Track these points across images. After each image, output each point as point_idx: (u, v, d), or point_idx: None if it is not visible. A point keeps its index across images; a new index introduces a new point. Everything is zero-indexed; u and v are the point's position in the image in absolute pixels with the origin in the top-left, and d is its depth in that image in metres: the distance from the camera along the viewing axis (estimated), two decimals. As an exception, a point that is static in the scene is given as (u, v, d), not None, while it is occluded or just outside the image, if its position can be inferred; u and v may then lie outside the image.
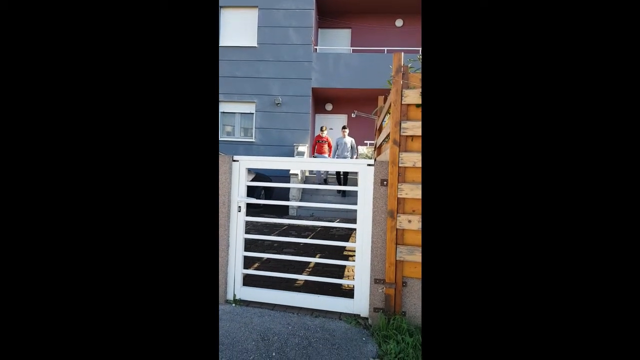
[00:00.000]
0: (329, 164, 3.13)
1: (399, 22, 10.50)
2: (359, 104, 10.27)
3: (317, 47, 10.09)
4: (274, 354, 1.96)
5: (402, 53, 2.30)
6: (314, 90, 9.42)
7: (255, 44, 9.33)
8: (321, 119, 10.63)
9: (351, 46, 10.49)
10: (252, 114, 9.40)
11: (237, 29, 9.45)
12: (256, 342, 2.06)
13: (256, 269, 3.33)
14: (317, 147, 7.34)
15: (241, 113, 9.54)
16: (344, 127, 7.24)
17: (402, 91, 2.26)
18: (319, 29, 10.65)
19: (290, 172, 7.36)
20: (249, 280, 2.75)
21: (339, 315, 2.45)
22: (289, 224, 5.93)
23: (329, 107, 10.70)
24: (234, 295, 2.63)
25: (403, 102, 2.26)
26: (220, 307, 2.51)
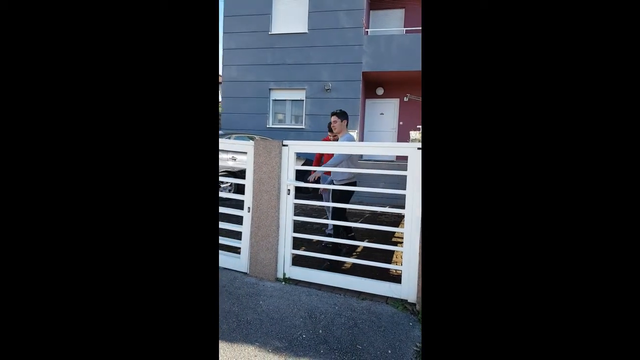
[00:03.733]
0: (378, 148, 3.08)
1: (456, -2, 9.79)
2: (411, 87, 9.89)
3: (369, 30, 9.82)
4: (320, 331, 2.02)
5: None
6: (364, 74, 9.23)
7: (305, 30, 9.34)
8: (372, 104, 10.43)
9: (405, 27, 10.06)
10: (303, 100, 9.50)
11: (287, 17, 9.51)
12: (304, 319, 2.14)
13: (304, 250, 3.44)
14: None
15: (292, 100, 9.68)
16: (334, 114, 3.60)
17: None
18: (371, 11, 10.33)
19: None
20: (297, 261, 2.85)
21: (386, 300, 2.45)
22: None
23: (379, 91, 10.44)
24: (284, 274, 2.74)
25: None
26: (270, 284, 2.64)
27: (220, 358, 1.72)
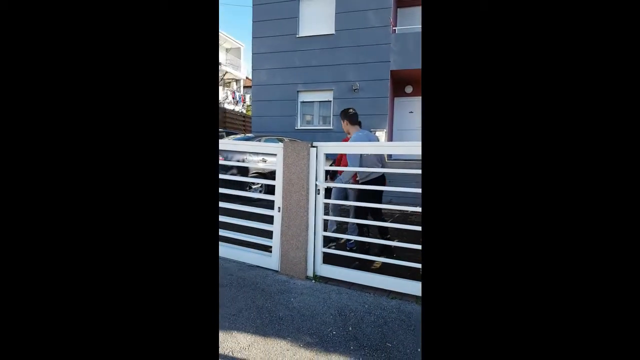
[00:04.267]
0: (407, 147, 3.06)
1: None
2: (441, 85, 9.65)
3: (396, 28, 9.72)
4: (350, 328, 2.05)
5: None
6: (392, 73, 9.14)
7: (332, 31, 9.39)
8: (401, 103, 10.30)
9: (433, 23, 9.84)
10: (330, 101, 9.55)
11: (314, 19, 9.61)
12: (334, 316, 2.18)
13: (334, 249, 3.47)
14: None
15: (319, 101, 9.76)
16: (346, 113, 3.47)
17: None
18: (398, 9, 10.21)
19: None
20: (327, 259, 2.89)
21: (416, 299, 2.44)
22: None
23: (408, 89, 10.29)
24: (314, 272, 2.80)
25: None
26: (301, 282, 2.70)
27: (254, 351, 1.79)
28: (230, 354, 1.76)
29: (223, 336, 1.91)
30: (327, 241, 3.36)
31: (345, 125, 3.38)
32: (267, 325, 2.05)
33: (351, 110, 3.41)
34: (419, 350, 1.84)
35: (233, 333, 1.95)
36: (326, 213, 3.21)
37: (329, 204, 3.26)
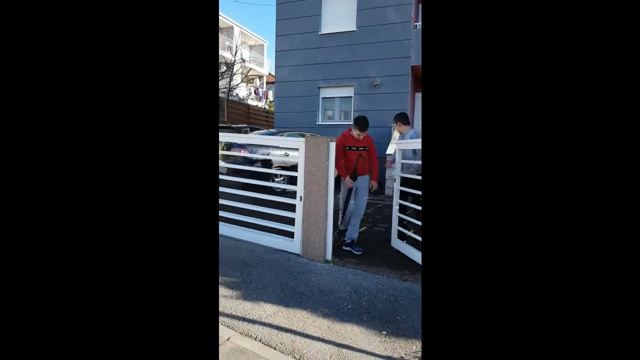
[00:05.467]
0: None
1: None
2: (463, 80, 9.60)
3: (417, 24, 9.73)
4: (364, 303, 2.29)
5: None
6: (413, 68, 9.18)
7: (354, 28, 9.53)
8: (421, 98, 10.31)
9: (455, 17, 9.78)
10: (351, 97, 9.72)
11: (336, 16, 9.77)
12: (349, 293, 2.42)
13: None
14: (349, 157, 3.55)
15: (340, 97, 9.94)
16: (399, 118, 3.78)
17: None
18: (419, 4, 10.21)
19: (387, 152, 7.50)
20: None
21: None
22: (384, 203, 6.11)
23: (429, 85, 10.28)
24: (332, 256, 3.04)
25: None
26: (320, 265, 2.96)
27: (278, 318, 2.06)
28: (258, 319, 2.04)
29: (251, 306, 2.19)
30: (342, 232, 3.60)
31: (399, 126, 3.74)
32: (289, 298, 2.31)
33: (404, 113, 3.79)
34: (425, 323, 2.06)
35: (260, 303, 2.23)
36: (336, 206, 3.37)
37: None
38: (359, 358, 1.73)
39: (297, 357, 1.73)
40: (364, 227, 4.18)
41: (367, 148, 3.53)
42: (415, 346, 1.84)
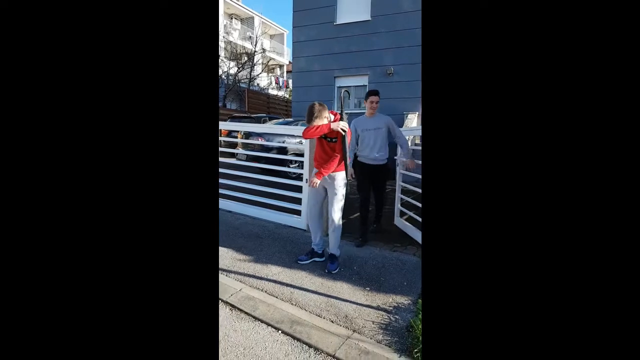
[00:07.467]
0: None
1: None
2: (479, 66, 9.60)
3: (433, 10, 9.77)
4: (355, 267, 2.70)
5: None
6: (427, 56, 9.30)
7: (369, 18, 9.69)
8: (436, 86, 10.37)
9: (472, 3, 9.73)
10: (365, 85, 9.95)
11: (351, 6, 9.95)
12: (344, 260, 2.83)
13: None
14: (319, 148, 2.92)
15: (355, 86, 10.20)
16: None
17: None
18: (436, -10, 10.20)
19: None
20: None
21: (414, 252, 3.01)
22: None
23: (445, 72, 10.33)
24: (333, 231, 3.46)
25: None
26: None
27: (282, 276, 2.50)
28: (265, 277, 2.49)
29: (260, 267, 2.64)
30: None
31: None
32: (293, 262, 2.75)
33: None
34: (405, 284, 2.44)
35: (268, 265, 2.68)
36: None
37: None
38: (344, 305, 2.15)
39: (294, 303, 2.16)
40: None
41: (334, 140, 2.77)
42: (392, 299, 2.24)
